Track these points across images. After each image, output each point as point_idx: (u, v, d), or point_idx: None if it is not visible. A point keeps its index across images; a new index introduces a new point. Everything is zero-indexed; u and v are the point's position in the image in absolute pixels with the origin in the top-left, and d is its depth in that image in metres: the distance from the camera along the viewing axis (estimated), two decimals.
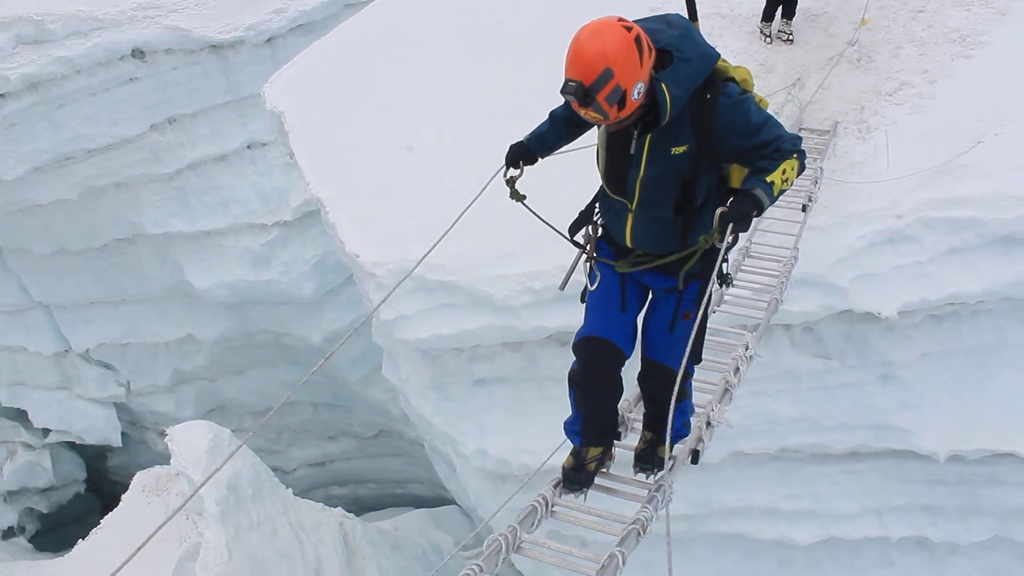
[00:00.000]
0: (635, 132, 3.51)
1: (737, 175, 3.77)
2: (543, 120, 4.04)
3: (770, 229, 6.67)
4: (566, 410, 4.08)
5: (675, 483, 3.57)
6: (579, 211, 4.06)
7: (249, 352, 16.26)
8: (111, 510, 11.98)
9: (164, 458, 11.32)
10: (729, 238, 3.54)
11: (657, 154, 3.50)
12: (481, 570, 2.99)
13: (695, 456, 3.90)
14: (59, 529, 18.10)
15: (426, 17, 10.03)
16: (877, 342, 7.41)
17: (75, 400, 17.03)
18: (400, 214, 7.81)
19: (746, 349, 4.45)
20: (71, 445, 18.04)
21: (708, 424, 3.94)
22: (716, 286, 3.81)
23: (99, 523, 11.93)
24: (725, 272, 3.89)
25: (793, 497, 8.21)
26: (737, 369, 4.28)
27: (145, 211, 14.69)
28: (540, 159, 4.04)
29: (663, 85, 3.34)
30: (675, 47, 3.40)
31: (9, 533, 17.18)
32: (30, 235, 15.02)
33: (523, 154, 3.98)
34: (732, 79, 3.59)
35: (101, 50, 13.45)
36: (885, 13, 9.00)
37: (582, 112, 3.31)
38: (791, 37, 8.96)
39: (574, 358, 3.94)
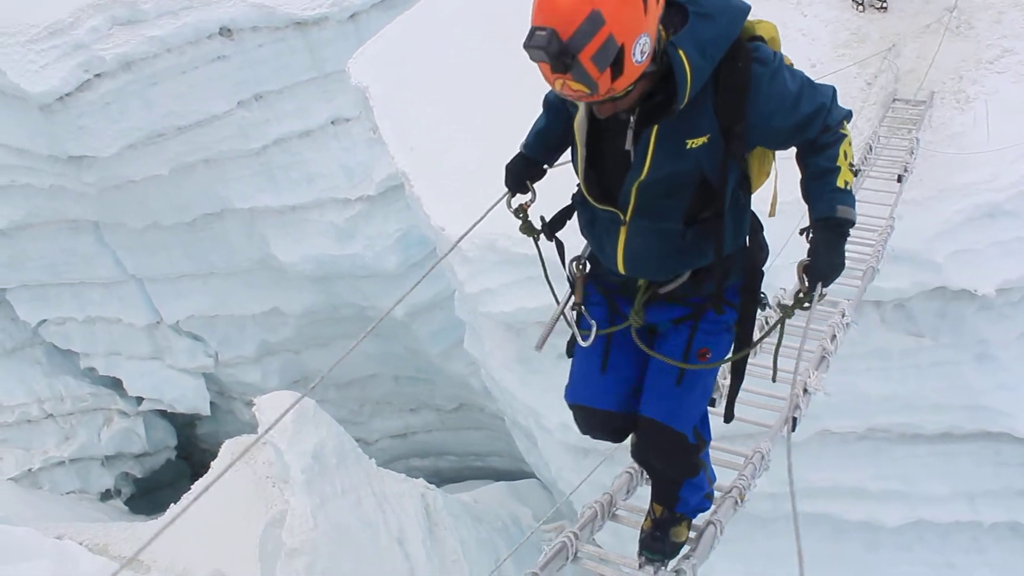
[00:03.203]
0: (631, 119, 2.55)
1: (757, 167, 2.84)
2: (539, 115, 3.07)
3: (864, 200, 6.51)
4: None
5: (771, 451, 3.53)
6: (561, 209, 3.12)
7: (333, 325, 16.54)
8: (201, 476, 12.36)
9: (251, 427, 11.63)
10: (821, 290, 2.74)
11: (668, 150, 2.55)
12: (576, 537, 3.01)
13: (793, 424, 3.73)
14: (152, 493, 18.75)
15: None
16: (973, 320, 7.21)
17: (167, 370, 17.54)
18: (485, 187, 7.80)
19: (843, 316, 4.35)
20: (163, 413, 18.62)
21: (805, 391, 3.85)
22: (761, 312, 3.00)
23: (190, 488, 12.31)
24: (763, 295, 2.95)
25: (881, 478, 8.06)
26: (834, 336, 4.19)
27: (233, 186, 15.00)
28: (549, 167, 3.14)
29: (680, 52, 2.39)
30: None
31: (107, 496, 17.86)
32: (125, 210, 15.47)
33: (527, 170, 3.10)
34: (759, 37, 2.65)
35: (190, 29, 13.76)
36: None
37: (556, 83, 2.33)
38: (885, 4, 8.69)
39: None
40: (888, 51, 8.10)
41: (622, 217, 2.71)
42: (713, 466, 3.26)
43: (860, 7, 8.68)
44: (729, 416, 3.17)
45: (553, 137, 3.02)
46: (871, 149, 6.88)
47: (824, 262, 2.68)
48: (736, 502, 3.24)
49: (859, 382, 7.56)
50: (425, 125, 8.71)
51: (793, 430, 3.60)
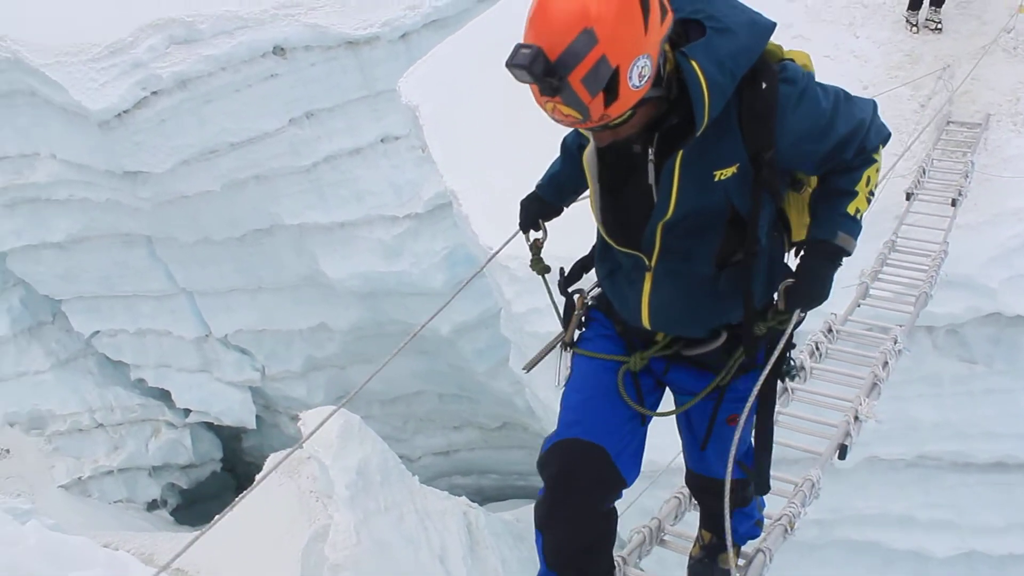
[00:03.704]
0: (650, 150, 2.33)
1: (796, 217, 2.68)
2: (556, 157, 2.97)
3: (917, 224, 6.43)
4: None
5: (821, 479, 3.48)
6: (577, 261, 2.97)
7: (379, 341, 16.62)
8: (245, 489, 12.47)
9: (295, 441, 11.72)
10: (799, 315, 2.54)
11: (695, 182, 2.32)
12: (624, 562, 2.98)
13: (843, 451, 3.70)
14: (197, 504, 18.94)
15: None
16: None
17: (214, 383, 17.74)
18: None
19: (895, 343, 4.29)
20: (209, 426, 18.82)
21: (856, 419, 3.79)
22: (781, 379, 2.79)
23: (234, 501, 12.44)
24: (791, 361, 2.77)
25: (931, 506, 7.92)
26: (886, 363, 4.14)
27: (283, 203, 15.17)
28: (565, 207, 3.06)
29: (694, 64, 2.16)
30: (706, 14, 2.24)
31: (153, 506, 18.09)
32: (177, 225, 15.72)
33: (540, 210, 3.02)
34: (788, 60, 2.42)
35: (245, 48, 13.99)
36: None
37: (547, 107, 2.10)
38: (940, 26, 8.59)
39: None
40: (942, 72, 8.00)
41: (647, 262, 2.49)
42: None
43: (914, 28, 8.59)
44: (764, 489, 2.95)
45: (566, 180, 2.92)
46: (924, 172, 6.79)
47: (808, 288, 2.49)
48: (786, 530, 3.20)
49: (910, 408, 7.45)
50: (474, 144, 8.77)
51: (843, 457, 3.56)
